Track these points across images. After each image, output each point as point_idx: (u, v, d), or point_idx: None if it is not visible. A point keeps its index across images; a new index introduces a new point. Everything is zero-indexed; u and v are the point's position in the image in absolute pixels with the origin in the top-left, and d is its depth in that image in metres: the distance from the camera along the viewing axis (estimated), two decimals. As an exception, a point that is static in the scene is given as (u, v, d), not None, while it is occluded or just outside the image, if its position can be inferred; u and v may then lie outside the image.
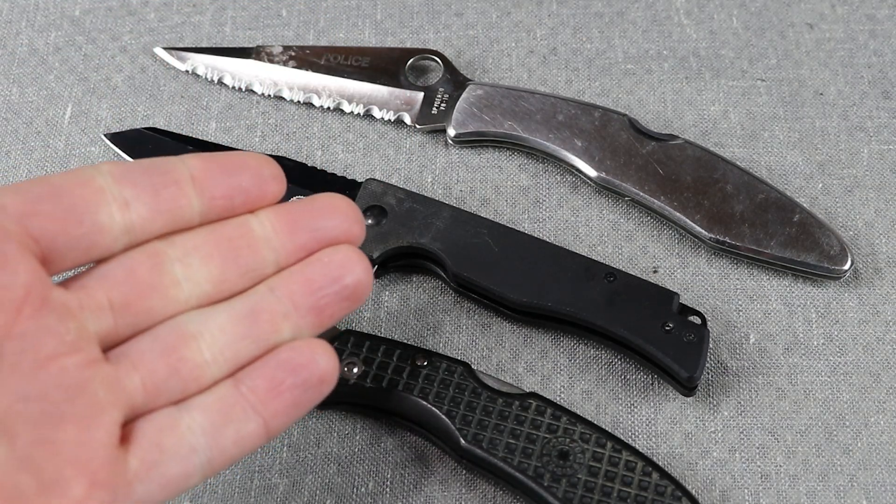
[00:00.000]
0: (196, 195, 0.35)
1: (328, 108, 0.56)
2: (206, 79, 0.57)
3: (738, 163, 0.52)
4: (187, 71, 0.58)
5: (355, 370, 0.46)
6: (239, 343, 0.35)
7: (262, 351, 0.35)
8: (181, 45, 0.59)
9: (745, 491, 0.45)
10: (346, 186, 0.52)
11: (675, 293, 0.47)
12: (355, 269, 0.36)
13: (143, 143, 0.55)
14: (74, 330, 0.32)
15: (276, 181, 0.36)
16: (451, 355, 0.48)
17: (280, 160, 0.53)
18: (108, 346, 0.34)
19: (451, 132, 0.54)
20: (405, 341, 0.48)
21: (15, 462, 0.30)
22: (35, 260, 0.32)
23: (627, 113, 0.54)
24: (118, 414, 0.33)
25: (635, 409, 0.47)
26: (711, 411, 0.47)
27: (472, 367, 0.46)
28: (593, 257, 0.49)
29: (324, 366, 0.36)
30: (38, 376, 0.31)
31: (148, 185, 0.34)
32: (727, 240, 0.50)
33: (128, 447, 0.33)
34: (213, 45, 0.59)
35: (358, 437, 0.47)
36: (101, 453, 0.32)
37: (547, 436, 0.44)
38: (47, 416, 0.31)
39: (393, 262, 0.50)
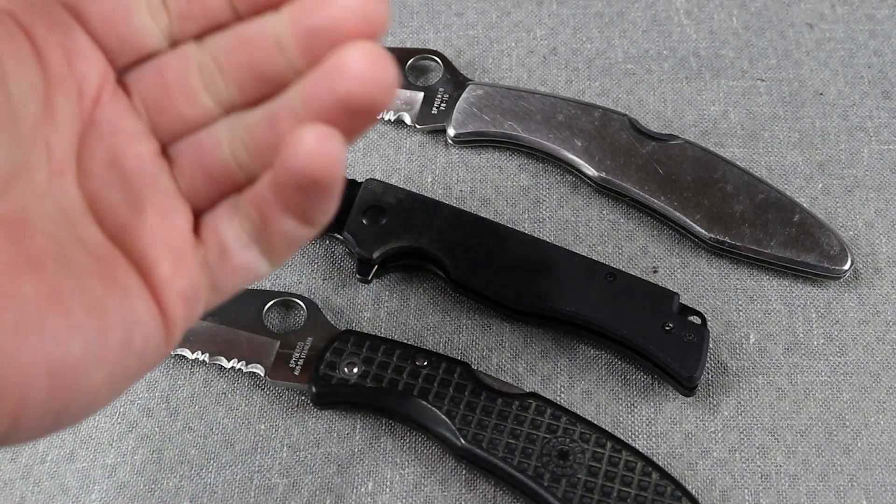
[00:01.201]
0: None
1: (328, 108, 0.56)
2: (206, 79, 0.57)
3: (738, 163, 0.52)
4: (187, 71, 0.57)
5: (355, 370, 0.46)
6: (263, 144, 0.34)
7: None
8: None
9: (745, 491, 0.45)
10: (346, 186, 0.52)
11: (675, 293, 0.47)
12: (376, 70, 0.31)
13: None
14: (141, 123, 0.33)
15: None
16: (451, 355, 0.48)
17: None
18: None
19: (451, 132, 0.54)
20: (405, 341, 0.48)
21: (106, 242, 0.31)
22: (102, 52, 0.33)
23: (627, 113, 0.54)
24: (184, 202, 0.33)
25: (635, 409, 0.47)
26: (711, 411, 0.47)
27: (472, 367, 0.46)
28: (593, 257, 0.49)
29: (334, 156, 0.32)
30: (118, 163, 0.32)
31: None
32: (727, 240, 0.50)
33: (199, 237, 0.33)
34: (213, 45, 0.59)
35: (357, 437, 0.47)
36: (183, 238, 0.33)
37: (547, 436, 0.44)
38: (130, 202, 0.32)
39: (393, 262, 0.50)
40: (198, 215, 0.34)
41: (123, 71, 0.34)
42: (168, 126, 0.34)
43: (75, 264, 0.30)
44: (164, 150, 0.34)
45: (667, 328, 0.46)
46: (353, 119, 0.32)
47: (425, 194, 0.51)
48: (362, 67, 0.30)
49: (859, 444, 0.46)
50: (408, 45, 0.58)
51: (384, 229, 0.49)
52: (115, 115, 0.33)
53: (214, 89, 0.34)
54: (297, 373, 0.46)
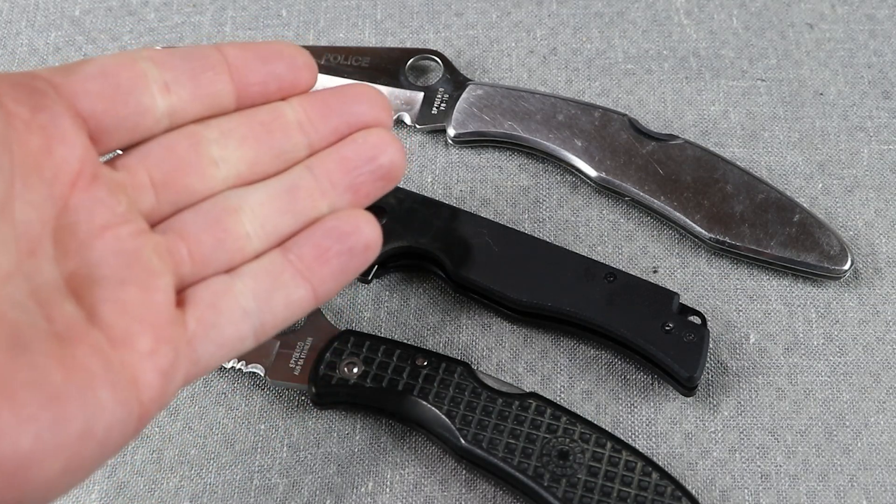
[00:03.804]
0: (232, 81, 0.36)
1: (328, 108, 0.56)
2: (206, 79, 0.57)
3: (738, 163, 0.52)
4: (187, 71, 0.57)
5: (355, 370, 0.46)
6: (279, 217, 0.36)
7: (301, 225, 0.37)
8: (181, 45, 0.59)
9: (745, 491, 0.45)
10: (346, 186, 0.52)
11: (675, 293, 0.47)
12: (389, 149, 0.38)
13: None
14: (124, 203, 0.34)
15: (309, 70, 0.38)
16: (451, 355, 0.48)
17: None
18: (152, 223, 0.35)
19: (451, 132, 0.54)
20: (405, 341, 0.48)
21: (85, 320, 0.32)
22: (86, 136, 0.34)
23: (627, 113, 0.54)
24: (172, 279, 0.34)
25: (635, 409, 0.47)
26: (711, 411, 0.47)
27: (472, 367, 0.46)
28: (593, 257, 0.49)
29: (368, 233, 0.37)
30: (95, 244, 0.33)
31: (187, 70, 0.36)
32: (727, 240, 0.50)
33: (185, 310, 0.34)
34: (213, 45, 0.59)
35: (357, 437, 0.47)
36: (163, 312, 0.33)
37: (547, 436, 0.44)
38: (108, 280, 0.33)
39: (393, 262, 0.50)
40: (186, 288, 0.35)
41: (124, 147, 0.35)
42: (177, 199, 0.36)
43: (34, 351, 0.30)
44: (162, 222, 0.35)
45: (667, 328, 0.46)
46: (380, 188, 0.38)
47: (425, 194, 0.51)
48: (397, 145, 0.38)
49: (859, 444, 0.46)
50: (408, 45, 0.58)
51: (384, 229, 0.49)
52: (95, 198, 0.33)
53: (225, 164, 0.36)
54: (297, 373, 0.46)
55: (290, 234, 0.37)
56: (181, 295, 0.35)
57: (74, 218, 0.33)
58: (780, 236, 0.49)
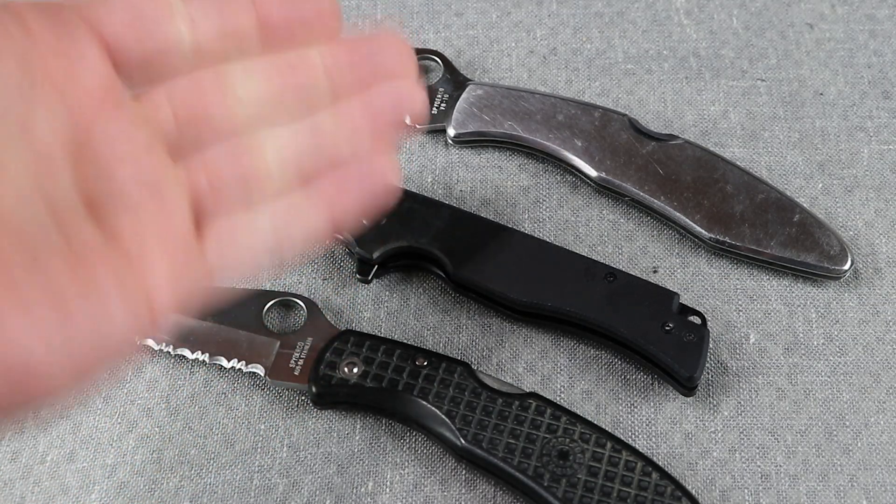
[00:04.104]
0: (258, 21, 0.36)
1: (328, 108, 0.56)
2: (206, 79, 0.57)
3: (738, 163, 0.52)
4: (187, 71, 0.58)
5: (355, 370, 0.46)
6: (301, 156, 0.37)
7: (323, 166, 0.37)
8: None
9: (745, 491, 0.45)
10: (346, 186, 0.52)
11: (675, 293, 0.47)
12: (413, 100, 0.38)
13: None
14: (146, 134, 0.34)
15: (335, 16, 0.38)
16: (451, 355, 0.48)
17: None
18: (174, 157, 0.35)
19: (451, 132, 0.54)
20: (405, 341, 0.48)
21: (102, 241, 0.32)
22: (111, 65, 0.34)
23: (627, 113, 0.54)
24: (190, 208, 0.35)
25: (635, 409, 0.47)
26: (711, 411, 0.47)
27: (472, 367, 0.46)
28: (593, 257, 0.49)
29: (389, 176, 0.38)
30: (115, 172, 0.33)
31: (213, 6, 0.36)
32: (727, 240, 0.50)
33: (202, 239, 0.35)
34: (213, 45, 0.59)
35: (357, 437, 0.47)
36: (180, 239, 0.34)
37: (547, 436, 0.44)
38: (126, 206, 0.33)
39: (393, 262, 0.50)
40: (205, 219, 0.36)
41: (149, 80, 0.36)
42: (200, 134, 0.36)
43: (48, 265, 0.30)
44: (184, 156, 0.36)
45: (667, 328, 0.46)
46: (407, 134, 0.39)
47: (425, 194, 0.51)
48: (422, 96, 0.38)
49: (859, 444, 0.46)
50: (408, 45, 0.58)
51: (384, 229, 0.49)
52: (117, 127, 0.34)
53: (249, 103, 0.36)
54: (297, 373, 0.46)
55: (311, 173, 0.37)
56: (199, 225, 0.35)
57: (95, 145, 0.33)
58: (780, 236, 0.49)
